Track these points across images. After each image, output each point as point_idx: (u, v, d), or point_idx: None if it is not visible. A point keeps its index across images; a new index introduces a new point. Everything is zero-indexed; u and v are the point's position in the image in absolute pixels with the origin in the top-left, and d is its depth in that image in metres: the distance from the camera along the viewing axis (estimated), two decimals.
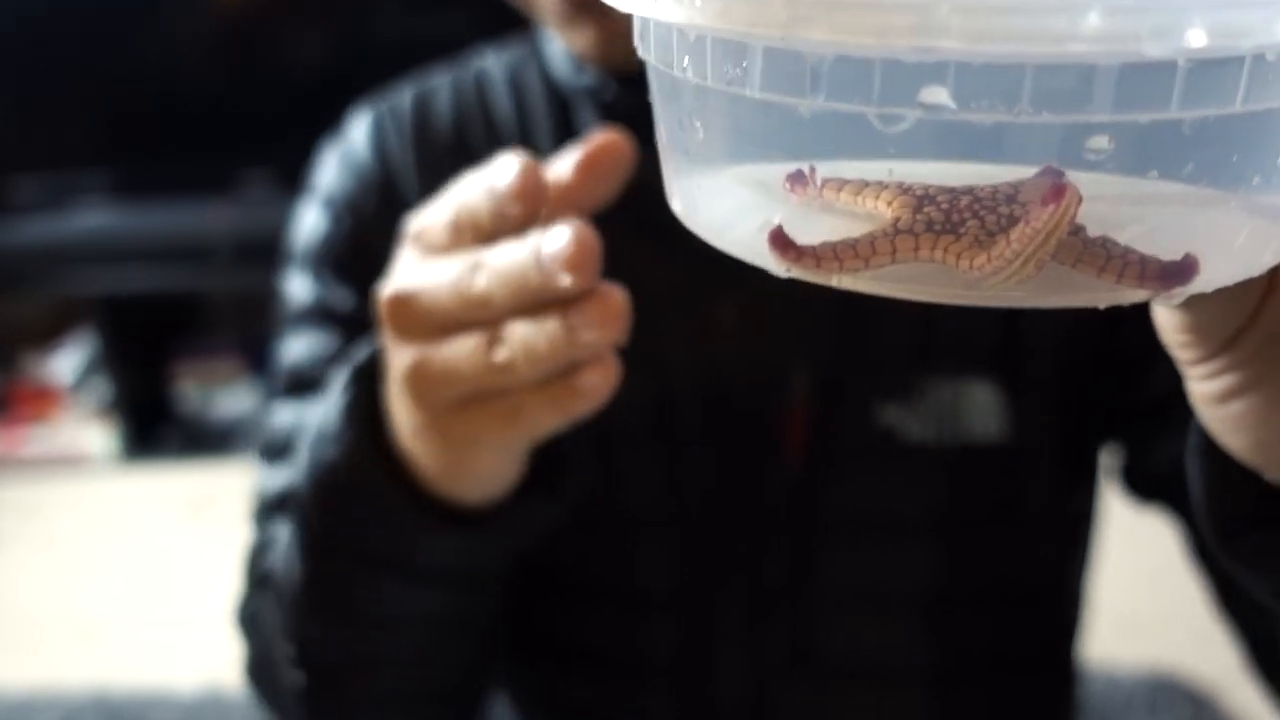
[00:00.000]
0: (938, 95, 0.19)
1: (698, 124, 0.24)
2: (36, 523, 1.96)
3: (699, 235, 0.26)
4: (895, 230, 0.22)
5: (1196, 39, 0.17)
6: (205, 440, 2.19)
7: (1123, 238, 0.21)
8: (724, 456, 0.61)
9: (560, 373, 0.39)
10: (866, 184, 0.23)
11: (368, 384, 0.48)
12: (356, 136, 0.72)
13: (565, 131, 0.66)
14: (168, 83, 2.09)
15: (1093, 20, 0.17)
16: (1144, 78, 0.18)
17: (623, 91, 0.62)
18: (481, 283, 0.38)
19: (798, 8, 0.19)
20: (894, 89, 0.19)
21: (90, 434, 2.16)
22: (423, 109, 0.71)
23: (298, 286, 0.70)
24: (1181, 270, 0.20)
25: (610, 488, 0.61)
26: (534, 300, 0.37)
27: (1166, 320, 0.30)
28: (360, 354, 0.49)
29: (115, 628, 1.66)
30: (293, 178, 2.06)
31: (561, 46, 0.65)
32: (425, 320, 0.40)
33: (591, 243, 0.36)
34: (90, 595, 1.74)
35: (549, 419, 0.40)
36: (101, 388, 2.17)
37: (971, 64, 0.18)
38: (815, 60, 0.20)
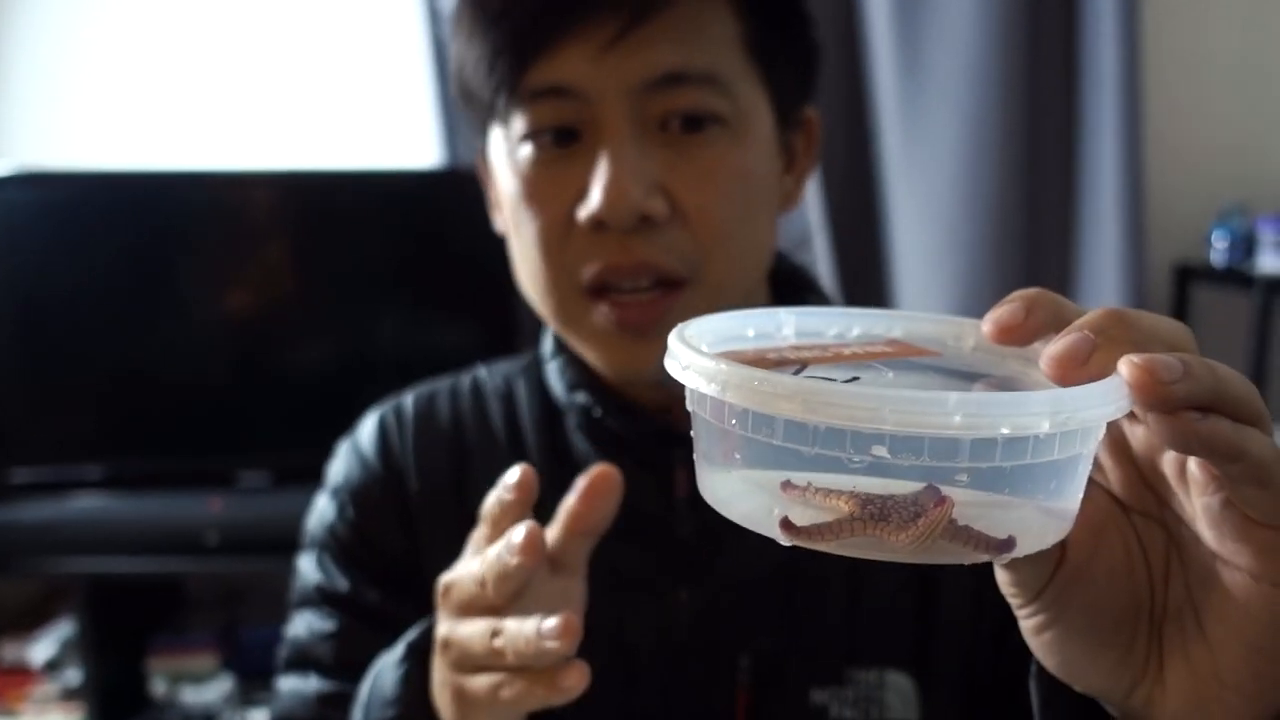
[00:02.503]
0: (880, 450, 0.35)
1: (737, 455, 0.39)
2: None
3: (719, 511, 0.41)
4: (851, 519, 0.37)
5: (1007, 428, 0.34)
6: None
7: (975, 526, 0.37)
8: None
9: (548, 669, 0.54)
10: (832, 491, 0.38)
11: (421, 657, 0.61)
12: (364, 434, 0.82)
13: (551, 439, 0.77)
14: (171, 383, 2.15)
15: (958, 419, 0.34)
16: (984, 444, 0.35)
17: (606, 414, 0.73)
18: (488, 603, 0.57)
19: (809, 403, 0.34)
20: (858, 445, 0.35)
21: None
22: (424, 411, 0.81)
23: (306, 567, 0.80)
24: (1007, 544, 0.37)
25: None
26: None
27: (1003, 578, 0.44)
28: (414, 632, 0.62)
29: None
30: (287, 479, 2.17)
31: (557, 367, 0.76)
32: (456, 605, 0.57)
33: (574, 627, 0.53)
34: None
35: (531, 699, 0.54)
36: (74, 673, 2.13)
37: (898, 435, 0.35)
38: (814, 428, 0.35)
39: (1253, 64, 2.40)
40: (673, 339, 0.40)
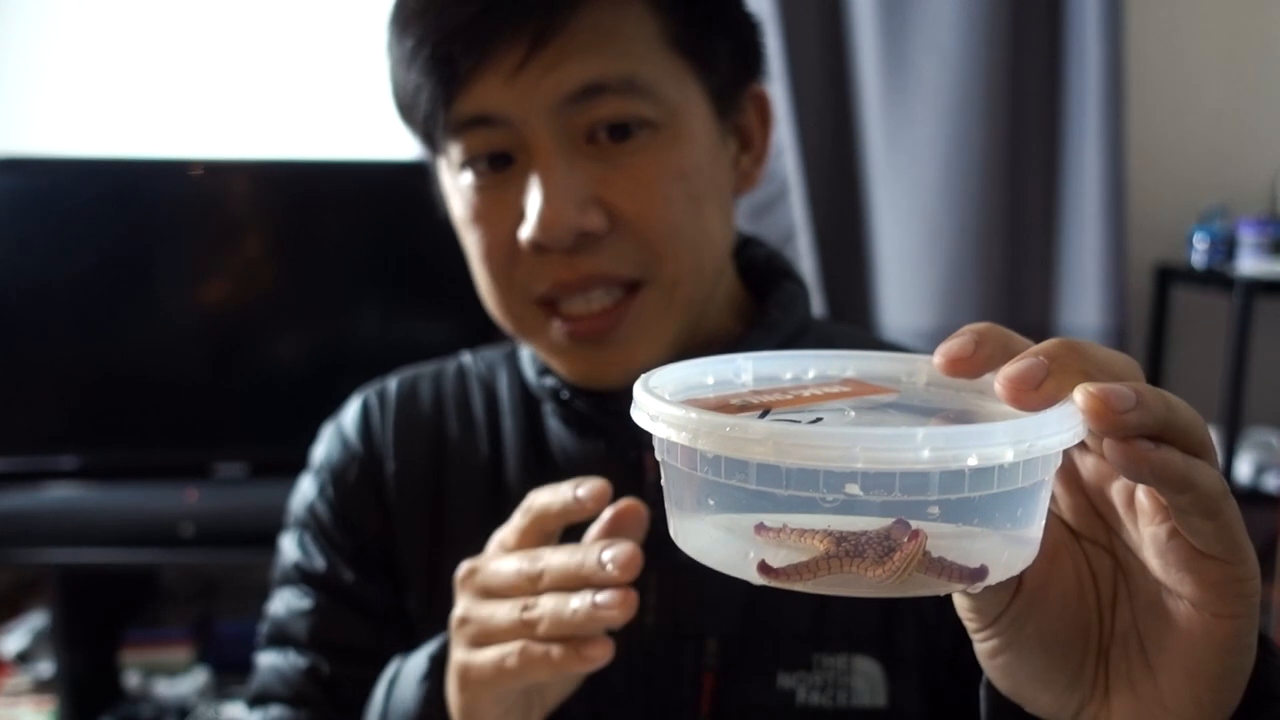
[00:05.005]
0: (853, 488, 0.36)
1: (710, 501, 0.40)
2: None
3: (695, 558, 0.41)
4: (827, 557, 0.38)
5: (974, 459, 0.35)
6: None
7: (948, 557, 0.38)
8: (645, 710, 0.72)
9: (572, 640, 0.55)
10: (806, 531, 0.39)
11: (442, 669, 0.62)
12: (348, 415, 0.84)
13: (529, 423, 0.79)
14: (148, 373, 2.14)
15: (926, 453, 0.35)
16: (952, 476, 0.36)
17: (574, 395, 0.75)
18: (539, 567, 0.56)
19: (780, 446, 0.35)
20: (830, 484, 0.36)
21: (25, 712, 2.10)
22: (407, 394, 0.83)
23: (287, 546, 0.82)
24: (979, 573, 0.38)
25: None
26: (572, 585, 0.55)
27: (962, 604, 0.46)
28: (435, 644, 0.63)
29: None
30: (264, 471, 2.15)
31: (529, 354, 0.78)
32: (482, 588, 0.58)
33: (639, 556, 0.54)
34: None
35: (539, 669, 0.55)
36: (46, 665, 2.12)
37: (869, 472, 0.35)
38: (786, 470, 0.36)
39: (1234, 67, 2.41)
40: (638, 390, 0.41)
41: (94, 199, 2.10)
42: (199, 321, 2.19)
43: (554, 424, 0.78)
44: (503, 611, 0.57)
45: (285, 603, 0.81)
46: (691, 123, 0.69)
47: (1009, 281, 2.28)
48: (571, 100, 0.65)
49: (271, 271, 2.22)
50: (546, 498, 0.59)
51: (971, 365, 0.40)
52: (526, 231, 0.67)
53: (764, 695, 0.71)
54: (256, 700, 0.79)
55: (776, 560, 0.38)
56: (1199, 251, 2.30)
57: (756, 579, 0.39)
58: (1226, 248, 2.28)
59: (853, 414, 0.43)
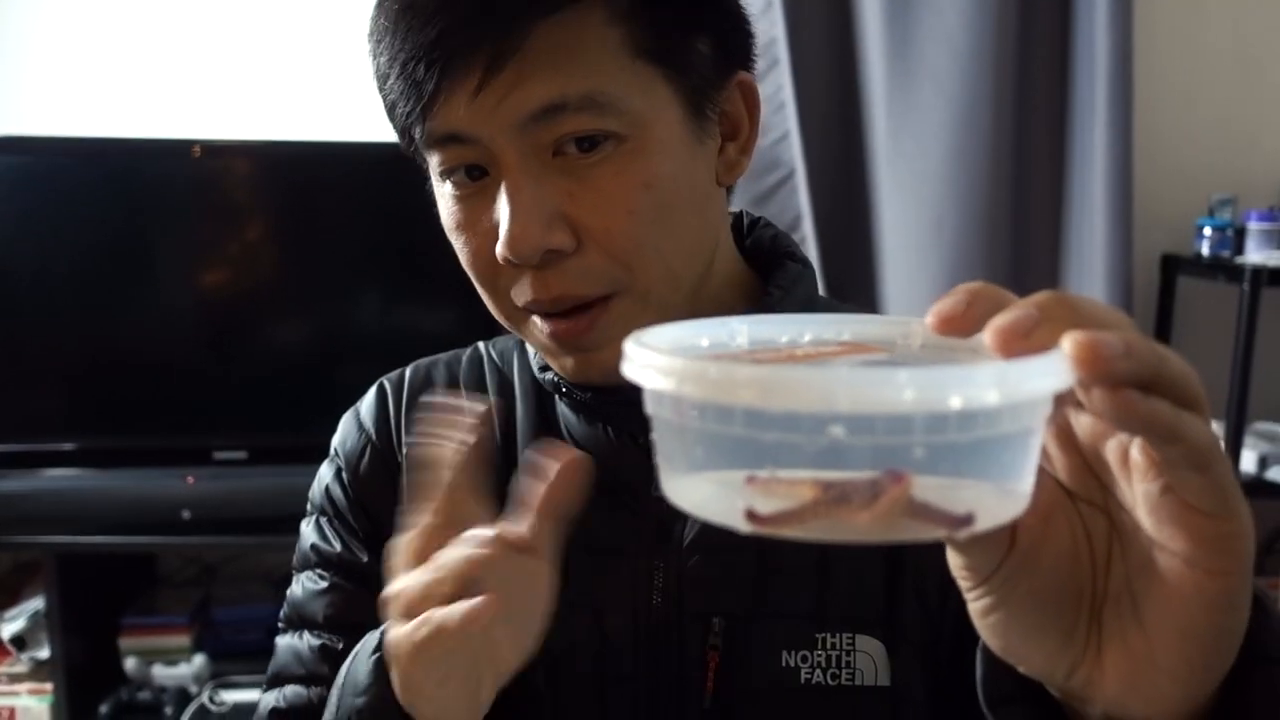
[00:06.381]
0: (837, 430, 0.35)
1: (699, 450, 0.39)
2: None
3: (687, 512, 0.41)
4: (815, 503, 0.37)
5: (958, 400, 0.34)
6: (142, 711, 2.15)
7: (934, 502, 0.37)
8: (651, 687, 0.73)
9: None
10: (794, 480, 0.38)
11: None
12: (365, 401, 0.87)
13: (540, 408, 0.81)
14: (147, 357, 2.15)
15: (909, 394, 0.34)
16: (936, 419, 0.35)
17: (574, 386, 0.76)
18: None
19: (765, 388, 0.35)
20: (814, 427, 0.35)
21: (23, 696, 2.11)
22: (422, 379, 0.86)
23: (306, 531, 0.85)
24: (966, 520, 0.37)
25: (554, 713, 0.73)
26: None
27: (954, 561, 0.46)
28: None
29: None
30: (263, 456, 2.15)
31: (530, 345, 0.79)
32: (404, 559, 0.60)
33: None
34: None
35: (450, 639, 0.56)
36: (44, 649, 2.13)
37: (853, 414, 0.35)
38: (776, 413, 0.35)
39: (1243, 57, 2.40)
40: (628, 344, 0.41)
41: (92, 180, 2.10)
42: (198, 305, 2.19)
43: (564, 410, 0.80)
44: (414, 578, 0.58)
45: (302, 586, 0.83)
46: (661, 128, 0.69)
47: (1014, 271, 2.27)
48: (533, 119, 0.65)
49: (272, 255, 2.22)
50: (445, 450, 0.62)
51: (965, 323, 0.40)
52: (498, 249, 0.68)
53: (768, 674, 0.72)
54: (273, 682, 0.81)
55: (766, 508, 0.38)
56: (1206, 241, 2.29)
57: (745, 528, 0.38)
58: (1234, 238, 2.27)
59: (844, 369, 0.42)
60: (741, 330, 0.47)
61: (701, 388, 0.36)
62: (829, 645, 0.72)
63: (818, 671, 0.72)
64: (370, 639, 0.65)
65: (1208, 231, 2.29)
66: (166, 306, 2.16)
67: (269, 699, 0.80)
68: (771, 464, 0.37)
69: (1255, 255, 2.21)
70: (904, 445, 0.36)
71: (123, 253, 2.11)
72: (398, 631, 0.59)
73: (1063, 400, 0.40)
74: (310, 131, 2.34)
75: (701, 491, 0.41)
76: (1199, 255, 2.31)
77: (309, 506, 0.87)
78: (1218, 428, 2.26)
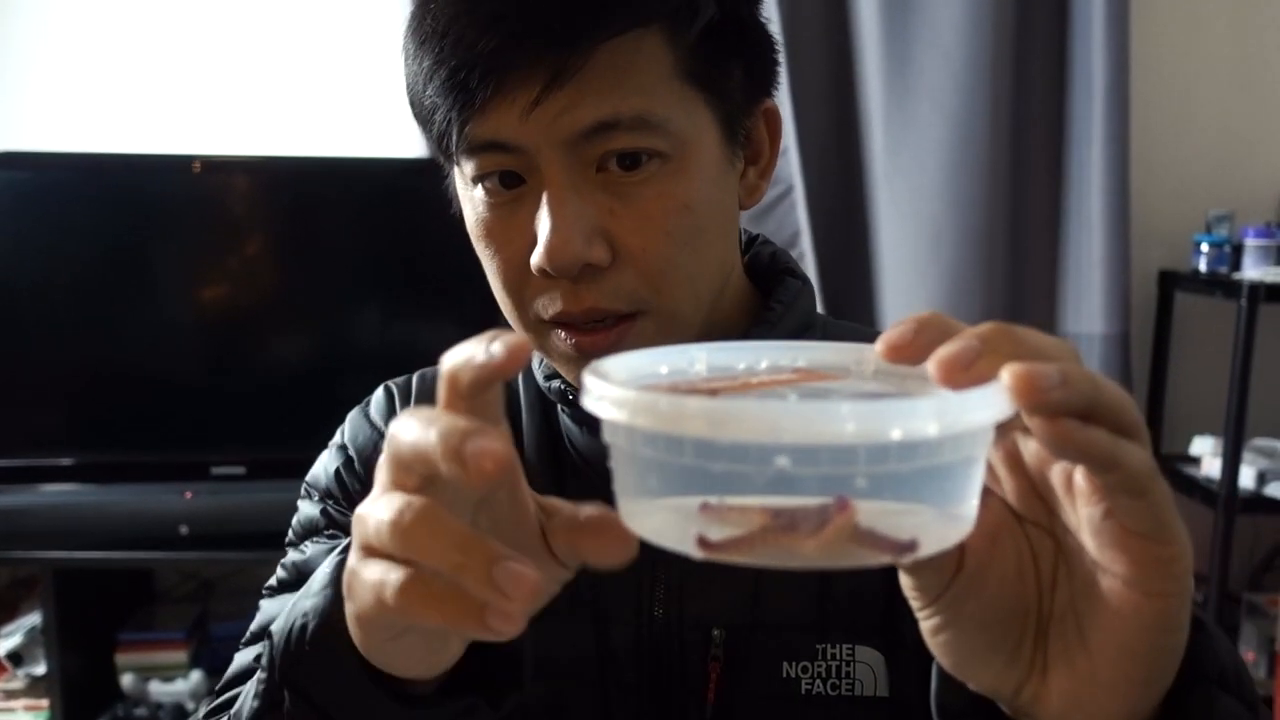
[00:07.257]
0: (783, 460, 0.36)
1: (653, 481, 0.40)
2: None
3: (642, 538, 0.42)
4: (763, 530, 0.38)
5: (898, 432, 0.35)
6: None
7: (878, 529, 0.38)
8: (654, 698, 0.74)
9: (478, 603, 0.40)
10: (745, 508, 0.39)
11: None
12: (374, 400, 0.88)
13: (545, 420, 0.82)
14: (145, 373, 2.15)
15: (850, 426, 0.35)
16: (877, 449, 0.36)
17: (579, 398, 0.76)
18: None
19: (713, 420, 0.36)
20: (761, 458, 0.36)
21: (19, 713, 2.11)
22: (430, 386, 0.86)
23: (305, 507, 0.85)
24: (910, 546, 0.38)
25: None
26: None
27: (905, 581, 0.47)
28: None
29: None
30: (261, 472, 2.14)
31: (539, 358, 0.80)
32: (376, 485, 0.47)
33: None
34: None
35: (431, 616, 0.41)
36: (41, 665, 2.13)
37: (798, 445, 0.35)
38: (724, 445, 0.36)
39: (1240, 74, 2.40)
40: (585, 374, 0.42)
41: (93, 195, 2.11)
42: (197, 320, 2.20)
43: (568, 422, 0.80)
44: (384, 503, 0.44)
45: (311, 550, 0.82)
46: (701, 149, 0.70)
47: (1012, 287, 2.27)
48: (584, 136, 0.66)
49: (271, 271, 2.22)
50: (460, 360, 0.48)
51: (913, 351, 0.41)
52: (535, 259, 0.68)
53: (769, 685, 0.73)
54: (253, 639, 0.79)
55: (717, 535, 0.39)
56: (1203, 258, 2.29)
57: (698, 554, 0.39)
58: (1231, 254, 2.27)
59: (794, 397, 0.43)
60: (700, 357, 0.48)
61: (653, 419, 0.38)
62: (829, 656, 0.73)
63: (818, 682, 0.73)
64: (335, 555, 0.56)
65: (1205, 247, 2.29)
66: (166, 322, 2.17)
67: (248, 655, 0.77)
68: (722, 492, 0.39)
69: (1252, 271, 2.20)
70: (848, 475, 0.37)
71: (123, 268, 2.12)
72: (365, 573, 0.44)
73: (1011, 425, 0.41)
74: (310, 148, 2.36)
75: (656, 519, 0.42)
76: (1196, 271, 2.31)
77: (308, 489, 0.86)
78: (1216, 443, 2.25)
